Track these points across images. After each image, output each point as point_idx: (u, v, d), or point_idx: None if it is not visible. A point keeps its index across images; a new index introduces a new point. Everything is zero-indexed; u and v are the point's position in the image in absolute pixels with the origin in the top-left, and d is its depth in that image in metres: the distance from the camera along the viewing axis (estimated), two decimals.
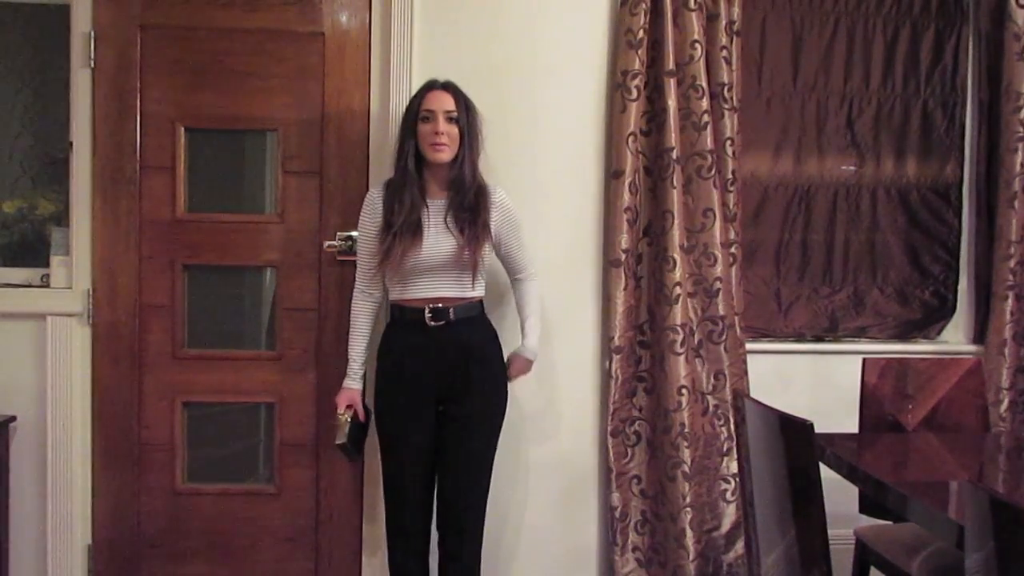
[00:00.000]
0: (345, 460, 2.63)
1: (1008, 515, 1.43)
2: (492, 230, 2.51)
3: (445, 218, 2.47)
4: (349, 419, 2.53)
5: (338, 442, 2.53)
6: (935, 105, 3.21)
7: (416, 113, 2.47)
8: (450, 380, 2.49)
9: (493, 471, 2.61)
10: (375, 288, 2.58)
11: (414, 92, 2.63)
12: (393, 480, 2.54)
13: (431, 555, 2.62)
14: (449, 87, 2.49)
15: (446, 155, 2.44)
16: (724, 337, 2.91)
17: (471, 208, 2.47)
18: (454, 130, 2.45)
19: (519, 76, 2.88)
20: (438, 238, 2.45)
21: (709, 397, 2.92)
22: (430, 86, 2.50)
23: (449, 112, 2.44)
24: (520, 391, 2.89)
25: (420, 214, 2.45)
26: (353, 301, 2.60)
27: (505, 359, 2.61)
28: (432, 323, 2.46)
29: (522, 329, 2.63)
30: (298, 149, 2.86)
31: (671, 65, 2.83)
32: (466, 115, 2.47)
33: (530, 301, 2.65)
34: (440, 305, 2.46)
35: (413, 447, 2.51)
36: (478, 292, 2.53)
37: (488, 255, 2.53)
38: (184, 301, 2.87)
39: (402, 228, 2.43)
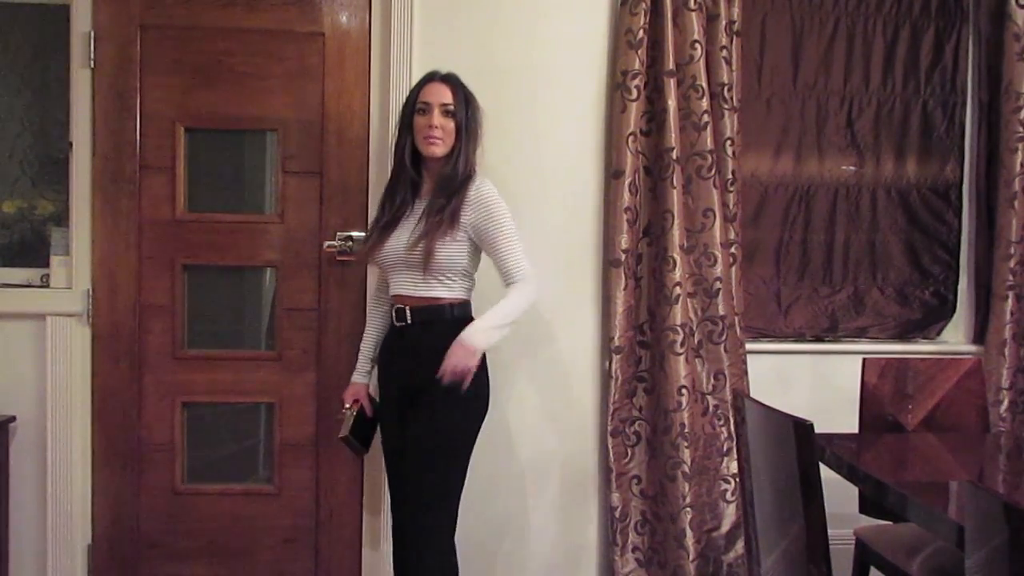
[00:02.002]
0: (351, 455, 2.60)
1: (1009, 515, 1.43)
2: (463, 224, 2.32)
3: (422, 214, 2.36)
4: (354, 413, 2.52)
5: (340, 435, 2.50)
6: (935, 105, 3.21)
7: (413, 105, 2.39)
8: (408, 386, 2.36)
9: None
10: (384, 288, 2.53)
11: None
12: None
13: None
14: (449, 79, 2.40)
15: (439, 149, 2.35)
16: (724, 337, 2.91)
17: (445, 198, 2.32)
18: (450, 124, 2.35)
19: (519, 76, 2.88)
20: (401, 234, 2.36)
21: (709, 397, 2.92)
22: (429, 77, 2.41)
23: (446, 105, 2.35)
24: (521, 391, 2.90)
25: (404, 212, 2.38)
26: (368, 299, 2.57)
27: (486, 374, 2.39)
28: (397, 323, 2.39)
29: None
30: (298, 149, 2.86)
31: (671, 65, 2.83)
32: (464, 109, 2.37)
33: (503, 301, 2.32)
34: (401, 305, 2.38)
35: (386, 447, 2.49)
36: (441, 293, 2.34)
37: (461, 253, 2.34)
38: (184, 301, 2.87)
39: (383, 225, 2.39)
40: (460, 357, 2.24)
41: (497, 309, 2.30)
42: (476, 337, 2.26)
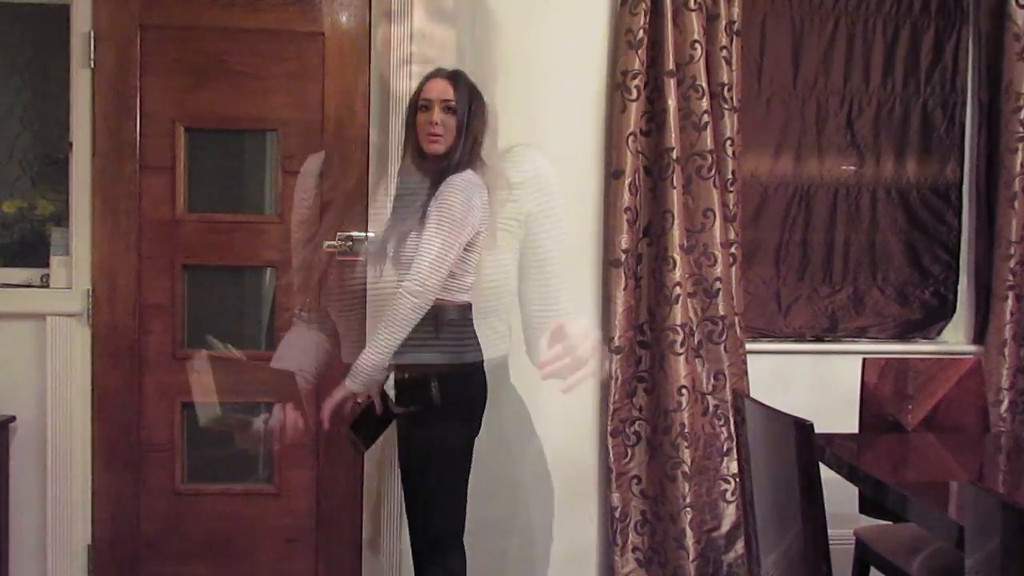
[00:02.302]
0: (351, 454, 2.55)
1: (1009, 515, 1.43)
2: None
3: None
4: (362, 407, 2.49)
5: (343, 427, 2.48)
6: (935, 105, 3.21)
7: (416, 103, 2.34)
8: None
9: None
10: None
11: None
12: None
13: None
14: (452, 76, 2.33)
15: (441, 147, 2.27)
16: (724, 337, 2.91)
17: (428, 193, 2.25)
18: (451, 121, 2.27)
19: (519, 76, 2.88)
20: None
21: (709, 397, 2.92)
22: (433, 74, 2.36)
23: (447, 101, 2.27)
24: (520, 391, 2.89)
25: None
26: None
27: (484, 376, 2.34)
28: None
29: None
30: (298, 149, 2.86)
31: (671, 65, 2.83)
32: (467, 105, 2.29)
33: (385, 314, 2.18)
34: None
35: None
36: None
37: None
38: (184, 301, 2.87)
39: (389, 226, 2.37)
40: (337, 397, 2.20)
41: (374, 337, 2.19)
42: (354, 373, 2.18)
